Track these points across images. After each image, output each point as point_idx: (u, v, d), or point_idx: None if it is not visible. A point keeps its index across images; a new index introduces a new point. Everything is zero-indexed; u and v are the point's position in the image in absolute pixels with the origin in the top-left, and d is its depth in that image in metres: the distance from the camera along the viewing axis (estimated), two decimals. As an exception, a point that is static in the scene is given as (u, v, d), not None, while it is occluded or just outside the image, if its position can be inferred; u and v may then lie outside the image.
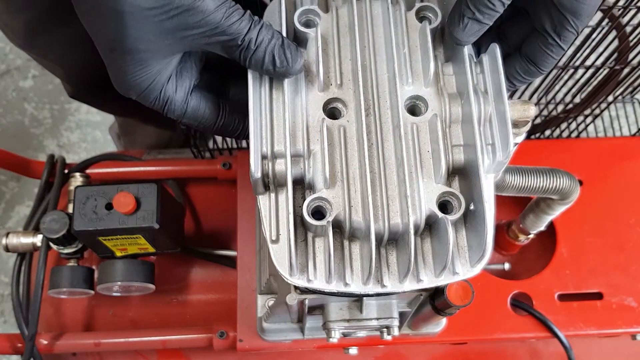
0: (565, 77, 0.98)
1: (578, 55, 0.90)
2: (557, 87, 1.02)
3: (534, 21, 0.55)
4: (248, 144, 1.12)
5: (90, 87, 1.12)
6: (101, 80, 1.07)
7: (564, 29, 0.54)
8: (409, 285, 0.53)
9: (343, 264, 0.53)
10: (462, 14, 0.53)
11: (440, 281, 0.53)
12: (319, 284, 0.53)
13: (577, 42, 0.89)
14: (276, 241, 0.52)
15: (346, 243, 0.54)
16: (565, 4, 0.52)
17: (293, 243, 0.51)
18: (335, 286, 0.53)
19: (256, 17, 0.52)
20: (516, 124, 0.57)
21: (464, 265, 0.53)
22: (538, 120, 1.11)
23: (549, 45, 0.55)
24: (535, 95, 1.06)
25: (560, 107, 1.10)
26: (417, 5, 0.59)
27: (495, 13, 0.53)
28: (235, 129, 0.58)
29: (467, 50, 0.56)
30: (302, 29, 0.58)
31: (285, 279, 0.52)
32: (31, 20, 0.93)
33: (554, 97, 1.07)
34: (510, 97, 1.02)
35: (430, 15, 0.59)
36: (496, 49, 0.55)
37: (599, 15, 0.85)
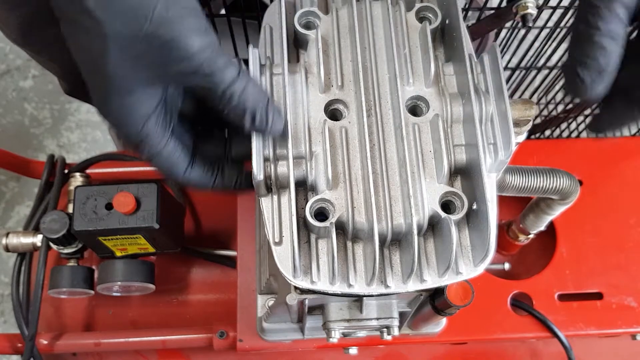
0: (565, 77, 0.98)
1: (578, 55, 0.90)
2: (557, 87, 1.02)
3: None
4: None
5: (86, 84, 1.11)
6: None
7: None
8: (413, 285, 0.53)
9: (346, 265, 0.53)
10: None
11: (444, 281, 0.53)
12: (322, 285, 0.53)
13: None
14: (279, 243, 0.52)
15: (349, 244, 0.54)
16: None
17: (296, 245, 0.51)
18: (338, 287, 0.53)
19: (244, 67, 0.50)
20: (517, 123, 0.57)
21: (468, 265, 0.53)
22: (538, 120, 1.11)
23: None
24: (535, 95, 1.06)
25: (560, 107, 1.10)
26: (417, 5, 0.60)
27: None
28: (206, 181, 0.56)
29: (467, 50, 0.56)
30: (302, 30, 0.58)
31: (289, 281, 0.52)
32: (25, 16, 0.93)
33: (554, 97, 1.07)
34: (511, 96, 1.02)
35: (430, 15, 0.59)
36: (496, 49, 0.55)
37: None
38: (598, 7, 0.46)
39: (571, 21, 0.84)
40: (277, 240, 0.53)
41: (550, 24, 0.87)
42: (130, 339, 0.94)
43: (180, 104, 0.55)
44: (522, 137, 0.60)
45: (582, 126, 1.11)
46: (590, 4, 0.46)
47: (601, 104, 0.49)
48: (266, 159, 0.53)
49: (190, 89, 0.50)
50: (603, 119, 0.51)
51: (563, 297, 0.95)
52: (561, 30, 0.86)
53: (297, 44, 0.60)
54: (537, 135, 1.12)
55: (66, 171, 1.02)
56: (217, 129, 0.58)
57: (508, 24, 0.85)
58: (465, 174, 0.55)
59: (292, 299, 0.60)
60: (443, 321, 0.86)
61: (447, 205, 0.53)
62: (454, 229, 0.50)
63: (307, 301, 0.65)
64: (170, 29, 0.46)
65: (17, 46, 1.03)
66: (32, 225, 0.99)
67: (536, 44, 0.91)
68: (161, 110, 0.52)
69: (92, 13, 0.45)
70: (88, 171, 1.01)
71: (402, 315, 0.72)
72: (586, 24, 0.46)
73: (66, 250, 0.90)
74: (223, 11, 0.85)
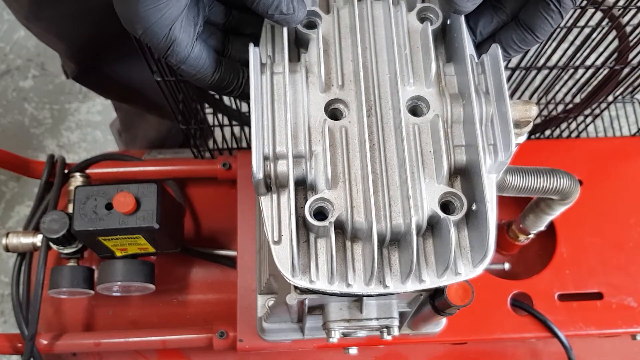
0: (565, 77, 0.98)
1: (578, 55, 0.90)
2: (557, 87, 1.02)
3: None
4: (249, 144, 1.12)
5: (93, 68, 1.12)
6: (104, 61, 1.08)
7: None
8: (412, 285, 0.53)
9: (345, 264, 0.53)
10: None
11: (443, 281, 0.53)
12: (321, 284, 0.53)
13: (577, 42, 0.89)
14: (278, 242, 0.52)
15: (348, 244, 0.54)
16: None
17: (295, 244, 0.51)
18: (337, 287, 0.53)
19: None
20: (518, 124, 0.57)
21: (467, 265, 0.53)
22: (538, 120, 1.11)
23: (549, 11, 0.56)
24: (535, 95, 1.06)
25: (560, 107, 1.10)
26: (418, 6, 0.60)
27: None
28: (230, 83, 0.59)
29: (469, 50, 0.56)
30: (303, 30, 0.58)
31: (288, 280, 0.52)
32: None
33: (554, 97, 1.07)
34: (511, 97, 1.03)
35: (431, 15, 0.59)
36: (497, 50, 0.55)
37: (599, 15, 0.85)
38: None
39: (571, 21, 0.84)
40: (276, 239, 0.53)
41: (551, 24, 0.87)
42: (130, 339, 0.94)
43: (208, 10, 0.57)
44: (523, 138, 0.60)
45: (582, 126, 1.11)
46: None
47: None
48: (266, 158, 0.53)
49: None
50: None
51: (563, 297, 0.95)
52: (561, 30, 0.86)
53: (298, 43, 0.60)
54: (537, 135, 1.12)
55: (66, 171, 1.02)
56: (244, 34, 0.61)
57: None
58: (465, 174, 0.55)
59: (292, 299, 0.60)
60: (443, 321, 0.86)
61: (446, 206, 0.53)
62: (452, 230, 0.50)
63: (306, 301, 0.65)
64: None
65: (22, 25, 1.03)
66: (32, 225, 0.99)
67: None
68: (187, 14, 0.53)
69: None
70: (88, 171, 1.01)
71: (402, 315, 0.72)
72: None
73: (66, 250, 0.90)
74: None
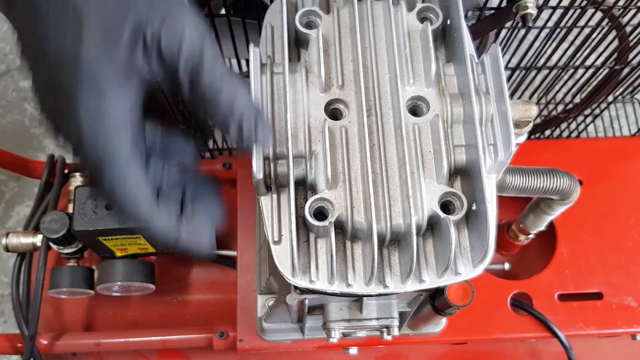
0: (565, 77, 0.98)
1: (578, 55, 0.90)
2: (557, 87, 1.02)
3: None
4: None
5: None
6: None
7: None
8: (412, 285, 0.53)
9: (345, 264, 0.53)
10: None
11: (443, 281, 0.53)
12: (321, 284, 0.52)
13: (577, 42, 0.89)
14: (278, 242, 0.52)
15: (348, 244, 0.54)
16: None
17: (295, 244, 0.51)
18: (337, 287, 0.53)
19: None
20: (518, 124, 0.57)
21: (467, 265, 0.53)
22: (538, 120, 1.11)
23: None
24: (535, 95, 1.06)
25: (560, 107, 1.10)
26: (419, 6, 0.59)
27: None
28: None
29: (469, 50, 0.56)
30: (303, 30, 0.58)
31: (288, 280, 0.52)
32: None
33: (554, 97, 1.07)
34: (511, 97, 1.03)
35: (431, 15, 0.59)
36: (497, 50, 0.55)
37: (599, 15, 0.85)
38: None
39: (571, 21, 0.84)
40: (276, 239, 0.53)
41: (550, 24, 0.87)
42: (130, 339, 0.94)
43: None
44: (523, 138, 0.60)
45: (582, 126, 1.11)
46: None
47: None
48: (266, 158, 0.53)
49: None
50: None
51: (563, 297, 0.95)
52: (561, 30, 0.86)
53: (298, 43, 0.60)
54: (537, 135, 1.12)
55: (66, 171, 1.02)
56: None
57: (508, 24, 0.85)
58: (465, 174, 0.55)
59: (292, 299, 0.60)
60: (443, 321, 0.86)
61: (446, 206, 0.53)
62: (452, 230, 0.50)
63: (306, 301, 0.65)
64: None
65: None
66: (32, 225, 0.99)
67: (536, 44, 0.91)
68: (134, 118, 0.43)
69: None
70: (88, 171, 1.01)
71: (402, 315, 0.72)
72: None
73: (66, 250, 0.90)
74: (223, 11, 0.85)
